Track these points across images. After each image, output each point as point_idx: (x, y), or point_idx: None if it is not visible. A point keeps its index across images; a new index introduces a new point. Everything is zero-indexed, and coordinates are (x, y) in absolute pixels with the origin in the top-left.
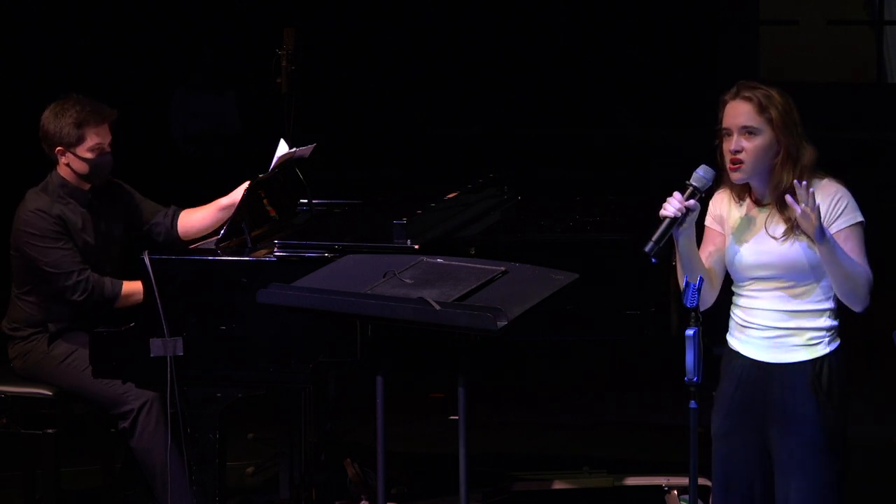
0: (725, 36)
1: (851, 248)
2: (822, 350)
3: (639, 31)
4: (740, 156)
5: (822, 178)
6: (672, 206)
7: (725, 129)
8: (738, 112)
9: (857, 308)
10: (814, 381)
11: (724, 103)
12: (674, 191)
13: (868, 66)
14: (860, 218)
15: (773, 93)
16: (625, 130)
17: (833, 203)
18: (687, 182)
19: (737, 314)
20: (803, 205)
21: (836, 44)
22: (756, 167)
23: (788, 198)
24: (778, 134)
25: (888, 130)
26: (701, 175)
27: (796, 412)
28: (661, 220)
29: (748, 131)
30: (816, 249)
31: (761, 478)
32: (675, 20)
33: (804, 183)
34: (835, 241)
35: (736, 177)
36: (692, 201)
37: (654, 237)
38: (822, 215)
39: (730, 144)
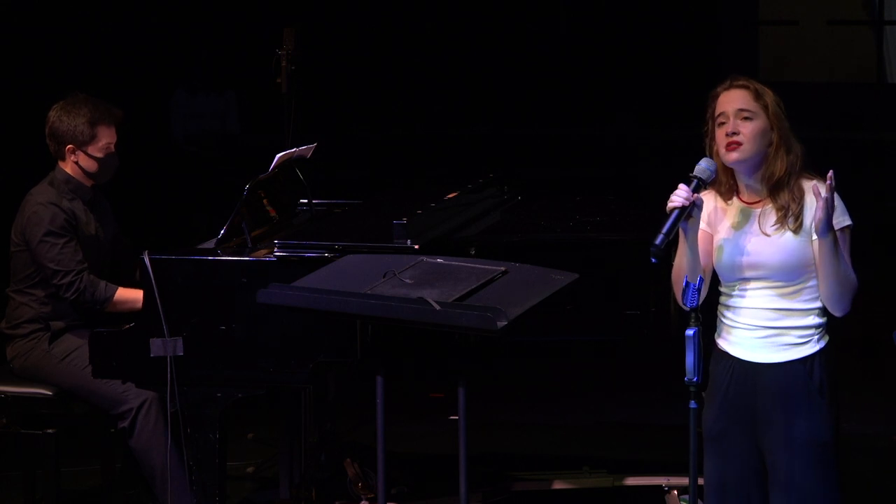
0: (725, 36)
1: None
2: (811, 348)
3: (639, 32)
4: (738, 137)
5: (811, 178)
6: (679, 196)
7: (721, 114)
8: (735, 98)
9: (837, 313)
10: (804, 379)
11: (717, 95)
12: (677, 185)
13: (868, 66)
14: (849, 221)
15: (765, 87)
16: (625, 130)
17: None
18: (690, 175)
19: (725, 315)
20: (826, 195)
21: (836, 44)
22: (752, 149)
23: (815, 186)
24: (773, 120)
25: (888, 130)
26: (704, 167)
27: (787, 411)
28: (668, 213)
29: (745, 114)
30: (816, 245)
31: (756, 478)
32: (675, 20)
33: (831, 172)
34: (836, 238)
35: (732, 157)
36: (698, 194)
37: (664, 229)
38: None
39: (725, 129)
